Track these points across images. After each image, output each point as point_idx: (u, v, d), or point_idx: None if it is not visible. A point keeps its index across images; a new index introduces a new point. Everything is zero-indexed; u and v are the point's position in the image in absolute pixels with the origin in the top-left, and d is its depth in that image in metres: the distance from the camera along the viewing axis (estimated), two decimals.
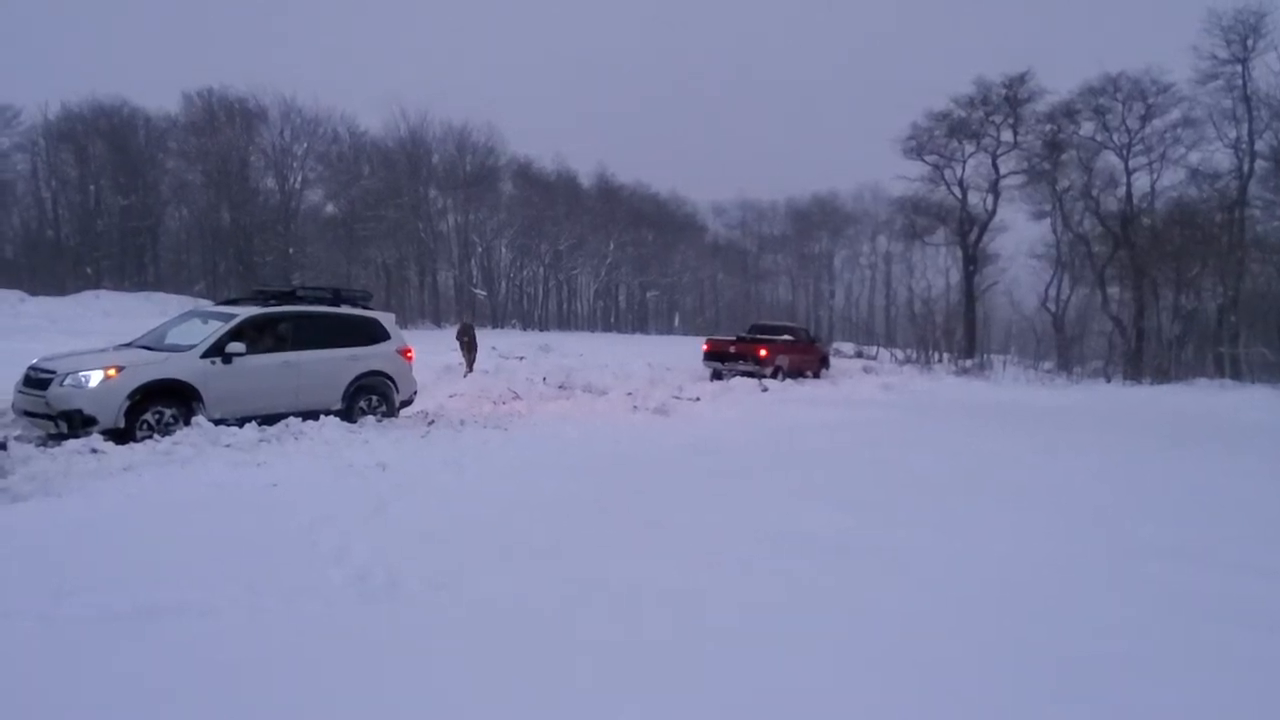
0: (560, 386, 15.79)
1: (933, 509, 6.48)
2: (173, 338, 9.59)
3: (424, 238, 54.97)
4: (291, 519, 5.40)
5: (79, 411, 7.95)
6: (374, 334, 10.71)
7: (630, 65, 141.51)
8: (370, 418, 10.21)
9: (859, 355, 32.49)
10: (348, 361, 10.27)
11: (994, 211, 37.12)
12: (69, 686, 3.01)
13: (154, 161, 51.43)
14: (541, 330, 52.09)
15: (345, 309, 10.70)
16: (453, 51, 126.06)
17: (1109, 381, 23.98)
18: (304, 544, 4.84)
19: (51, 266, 47.43)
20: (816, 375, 22.25)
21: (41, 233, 51.35)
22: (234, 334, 9.18)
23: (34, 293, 36.11)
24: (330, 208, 54.38)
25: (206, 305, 9.87)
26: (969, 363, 27.34)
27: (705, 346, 21.72)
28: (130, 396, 8.23)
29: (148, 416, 8.40)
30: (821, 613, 4.01)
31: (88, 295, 37.83)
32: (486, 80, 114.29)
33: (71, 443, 7.48)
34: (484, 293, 57.61)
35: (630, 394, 14.90)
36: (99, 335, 16.11)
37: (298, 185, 52.78)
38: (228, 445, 8.10)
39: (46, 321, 27.08)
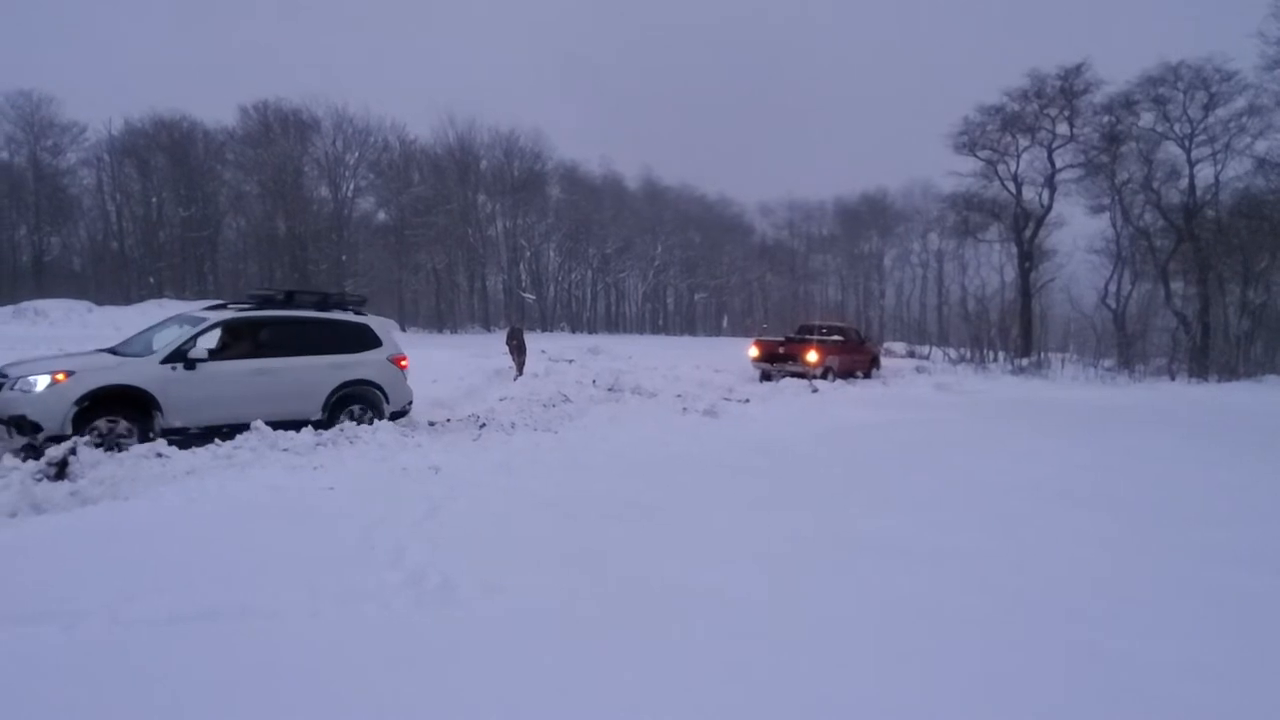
0: (610, 389, 15.79)
1: (992, 511, 6.33)
2: (153, 343, 9.16)
3: (473, 243, 55.59)
4: (348, 522, 5.45)
5: (23, 417, 7.72)
6: (363, 341, 10.19)
7: (677, 67, 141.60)
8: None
9: (911, 355, 31.99)
10: (330, 369, 9.79)
11: (1050, 206, 36.25)
12: (140, 686, 3.07)
13: (212, 173, 52.90)
14: (590, 333, 52.23)
15: (334, 314, 10.18)
16: (500, 58, 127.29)
17: (1173, 379, 23.26)
18: (361, 547, 4.88)
19: (117, 277, 49.03)
20: (867, 376, 21.89)
21: (106, 244, 53.15)
22: (200, 339, 8.82)
23: (100, 303, 37.34)
24: (381, 215, 55.47)
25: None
26: (1025, 361, 26.70)
27: (753, 348, 21.38)
28: (78, 403, 7.89)
29: (99, 423, 8.01)
30: (880, 614, 3.92)
31: (150, 304, 38.91)
32: (533, 85, 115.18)
33: (138, 447, 7.67)
34: (533, 296, 58.07)
35: (679, 396, 14.86)
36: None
37: (350, 194, 53.85)
38: (285, 449, 8.23)
39: (112, 330, 27.81)
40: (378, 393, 10.14)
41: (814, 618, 3.90)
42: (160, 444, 7.90)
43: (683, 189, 70.75)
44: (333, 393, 9.75)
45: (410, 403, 10.78)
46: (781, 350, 20.54)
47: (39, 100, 49.41)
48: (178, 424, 8.49)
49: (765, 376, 19.83)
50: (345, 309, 10.44)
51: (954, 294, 54.28)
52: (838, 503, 6.55)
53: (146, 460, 7.30)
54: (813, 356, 19.59)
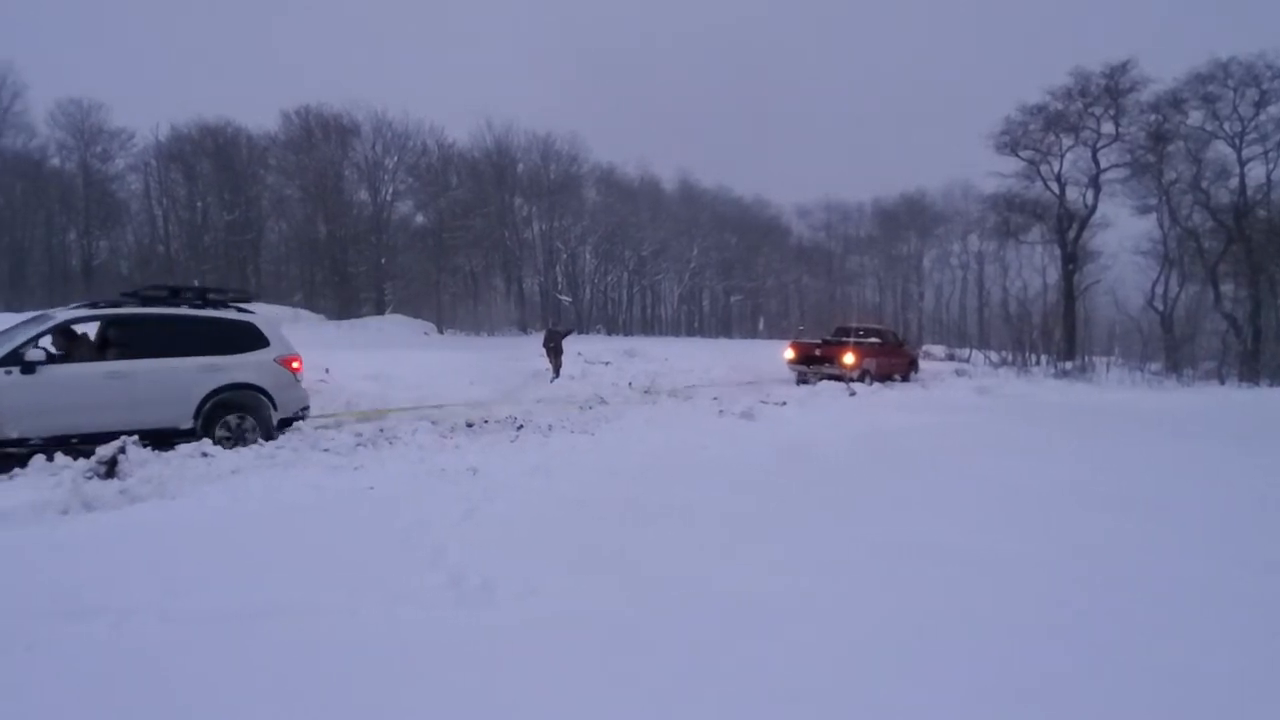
0: (646, 391, 15.80)
1: (1037, 516, 6.19)
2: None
3: (509, 245, 55.97)
4: (388, 522, 5.49)
5: None
6: (245, 340, 9.11)
7: (714, 69, 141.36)
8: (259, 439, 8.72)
9: (951, 358, 31.58)
10: (202, 372, 8.71)
11: (1094, 207, 35.66)
12: (184, 681, 3.11)
13: (255, 177, 53.84)
14: (626, 335, 52.29)
15: (211, 312, 9.10)
16: (537, 61, 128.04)
17: (1223, 383, 22.71)
18: (400, 547, 4.91)
19: (162, 280, 49.90)
20: (905, 379, 21.46)
21: (153, 248, 54.34)
22: (42, 340, 8.02)
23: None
24: (420, 218, 56.03)
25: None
26: (1069, 365, 26.22)
27: (789, 350, 21.03)
28: None
29: None
30: (917, 618, 3.84)
31: None
32: (570, 88, 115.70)
33: (183, 446, 7.79)
34: (569, 299, 58.28)
35: (716, 398, 14.80)
36: None
37: (389, 197, 54.54)
38: (325, 450, 8.33)
39: None
40: (262, 398, 9.08)
41: (850, 621, 3.84)
42: (205, 443, 8.02)
43: (719, 191, 70.73)
44: (206, 398, 8.71)
45: (305, 409, 9.78)
46: (818, 352, 20.19)
47: (89, 107, 50.76)
48: (14, 434, 7.67)
49: (802, 379, 19.59)
50: (225, 305, 9.38)
51: (995, 296, 53.41)
52: (878, 507, 6.45)
53: (192, 459, 7.44)
54: (850, 359, 19.23)
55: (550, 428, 10.77)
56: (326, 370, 15.86)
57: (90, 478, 6.43)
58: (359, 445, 8.69)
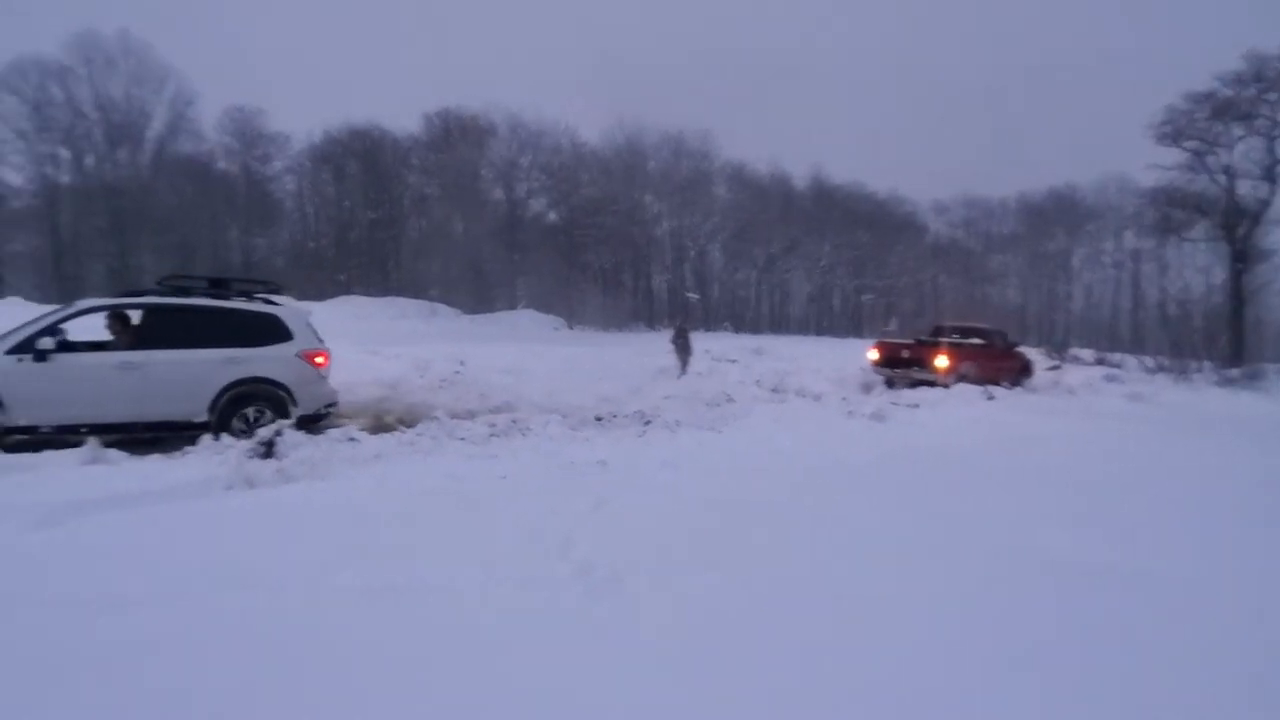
0: (773, 390, 15.60)
1: (1194, 532, 5.73)
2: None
3: (638, 242, 56.48)
4: (519, 511, 5.62)
5: None
6: (266, 333, 8.92)
7: (847, 64, 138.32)
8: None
9: (1100, 363, 29.74)
10: (220, 365, 8.56)
11: (1269, 201, 32.74)
12: (334, 647, 3.30)
13: (398, 178, 56.65)
14: (753, 334, 51.89)
15: (233, 303, 8.94)
16: (672, 58, 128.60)
17: None
18: (531, 535, 5.00)
19: (312, 275, 53.21)
20: (1015, 384, 18.62)
21: (304, 245, 57.93)
22: (59, 328, 8.03)
23: (298, 298, 40.55)
24: (552, 215, 57.37)
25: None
26: (1236, 372, 24.21)
27: (873, 351, 18.80)
28: None
29: None
30: (1073, 640, 3.61)
31: (341, 300, 42.18)
32: (704, 85, 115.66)
33: (334, 431, 8.22)
34: (697, 296, 58.33)
35: (845, 399, 14.46)
36: (349, 337, 17.62)
37: (523, 195, 56.05)
38: (462, 439, 8.62)
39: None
40: (280, 393, 8.86)
41: (990, 634, 3.65)
42: (351, 429, 8.43)
43: (852, 187, 69.11)
44: (222, 391, 8.56)
45: (331, 405, 9.54)
46: (906, 354, 17.88)
47: (251, 113, 54.75)
48: (23, 421, 7.72)
49: (889, 384, 17.56)
50: (250, 296, 9.24)
51: (1151, 297, 50.15)
52: (1024, 518, 6.10)
53: (341, 444, 7.85)
54: (942, 361, 17.00)
55: (678, 424, 10.75)
56: (461, 363, 16.46)
57: (251, 457, 6.88)
58: (493, 435, 8.94)
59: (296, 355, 9.02)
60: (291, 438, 7.55)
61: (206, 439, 7.77)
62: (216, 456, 7.09)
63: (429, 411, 10.42)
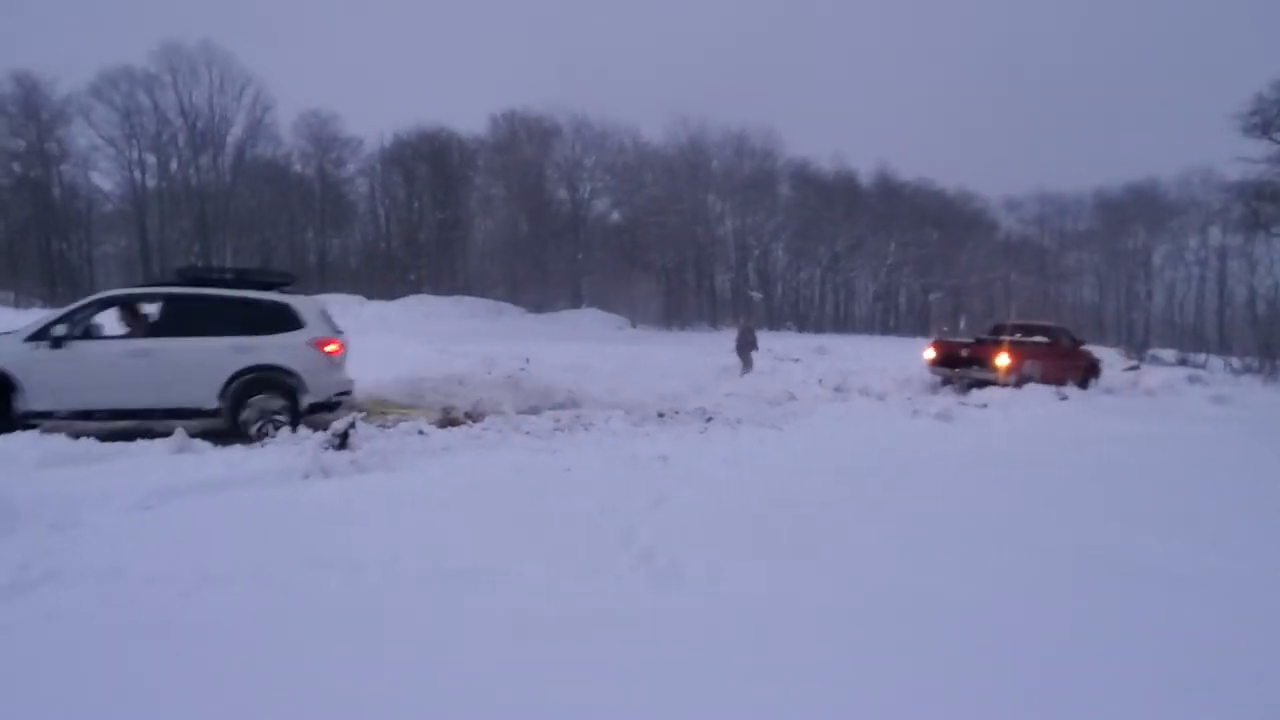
0: (836, 389, 15.50)
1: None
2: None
3: (702, 242, 56.40)
4: (582, 503, 5.76)
5: None
6: (277, 322, 8.97)
7: (916, 59, 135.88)
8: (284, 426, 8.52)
9: (1183, 363, 28.72)
10: (230, 352, 8.66)
11: None
12: (409, 625, 3.50)
13: (465, 179, 57.70)
14: (817, 333, 51.43)
15: (245, 292, 9.05)
16: (735, 55, 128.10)
17: None
18: (594, 526, 5.14)
19: (383, 275, 54.54)
20: (1082, 386, 17.71)
21: (376, 245, 59.48)
22: (76, 316, 8.36)
23: (370, 298, 41.91)
24: (615, 215, 57.72)
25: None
26: None
27: (930, 350, 17.98)
28: None
29: None
30: (1138, 646, 3.61)
31: (411, 299, 43.18)
32: (768, 83, 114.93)
33: (404, 424, 8.53)
34: (760, 295, 58.04)
35: (910, 399, 14.31)
36: (422, 336, 18.15)
37: (587, 195, 56.57)
38: (527, 432, 8.85)
39: (378, 322, 31.06)
40: (291, 380, 8.90)
41: (1062, 643, 3.66)
42: (421, 421, 8.73)
43: (919, 184, 67.58)
44: (232, 378, 8.66)
45: (344, 393, 9.61)
46: (964, 354, 17.07)
47: (326, 118, 56.36)
48: (40, 407, 8.06)
49: (946, 384, 16.90)
50: (263, 287, 9.33)
51: (1239, 296, 48.15)
52: (1102, 521, 5.98)
53: (410, 436, 8.15)
54: (1004, 360, 16.16)
55: (739, 421, 10.81)
56: (526, 360, 16.77)
57: (327, 449, 7.21)
58: (557, 430, 9.14)
59: (308, 343, 9.05)
60: (365, 430, 7.87)
61: (285, 432, 8.18)
62: (294, 447, 7.47)
63: (495, 407, 10.69)
